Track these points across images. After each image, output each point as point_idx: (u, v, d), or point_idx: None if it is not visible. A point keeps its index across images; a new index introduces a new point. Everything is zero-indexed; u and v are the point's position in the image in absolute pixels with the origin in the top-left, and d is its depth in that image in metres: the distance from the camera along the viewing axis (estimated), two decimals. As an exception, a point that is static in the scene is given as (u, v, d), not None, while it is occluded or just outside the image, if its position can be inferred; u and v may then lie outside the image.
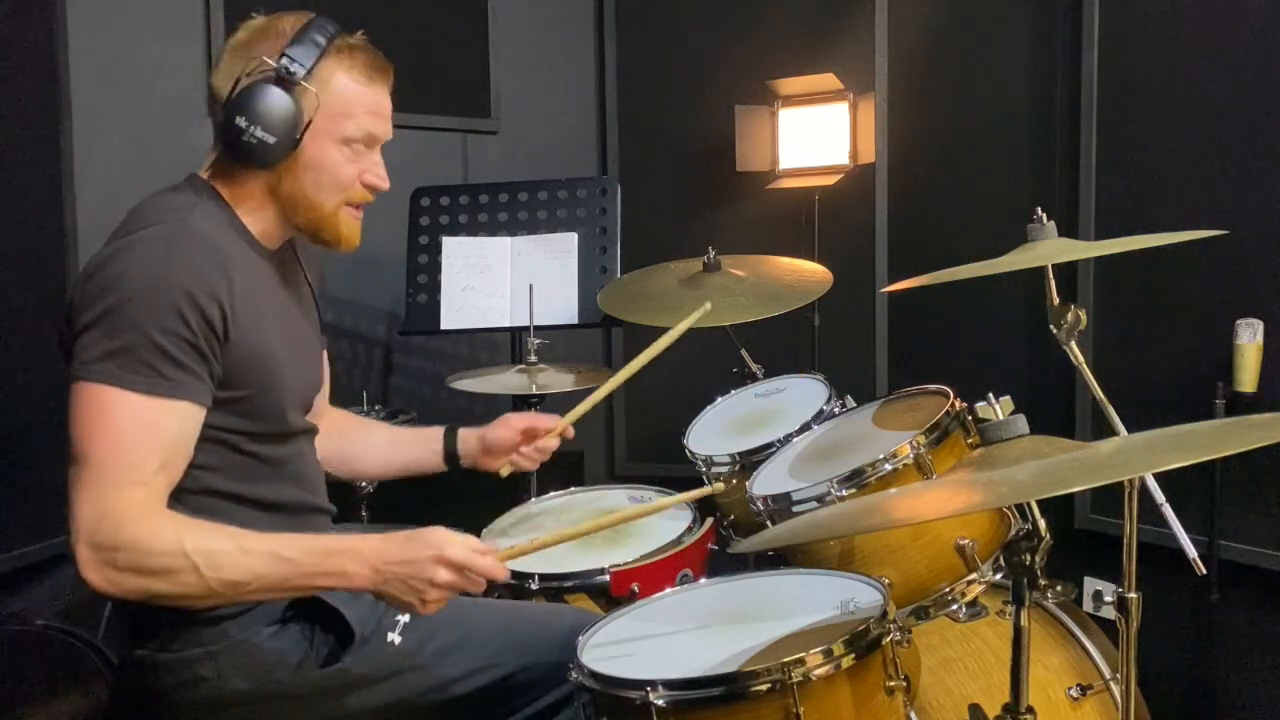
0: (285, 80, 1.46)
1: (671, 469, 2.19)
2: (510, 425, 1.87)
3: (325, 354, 1.82)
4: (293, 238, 1.63)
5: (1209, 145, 2.37)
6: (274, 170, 1.50)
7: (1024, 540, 1.39)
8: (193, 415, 1.40)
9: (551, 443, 1.89)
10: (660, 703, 1.29)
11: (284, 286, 1.60)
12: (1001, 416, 1.24)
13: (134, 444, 1.35)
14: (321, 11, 1.56)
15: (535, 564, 1.85)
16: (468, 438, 1.87)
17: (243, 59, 1.48)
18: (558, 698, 1.57)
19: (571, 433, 1.93)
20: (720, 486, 1.82)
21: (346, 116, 1.50)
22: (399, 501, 2.35)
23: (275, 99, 1.45)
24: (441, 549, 1.39)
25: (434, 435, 1.89)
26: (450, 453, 1.86)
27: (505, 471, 1.89)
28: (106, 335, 1.35)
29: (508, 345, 2.93)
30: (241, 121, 1.44)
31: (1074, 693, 1.72)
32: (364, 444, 1.88)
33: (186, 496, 1.42)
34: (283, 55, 1.46)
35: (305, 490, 1.62)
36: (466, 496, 2.04)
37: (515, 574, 1.84)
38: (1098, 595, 2.47)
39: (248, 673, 1.47)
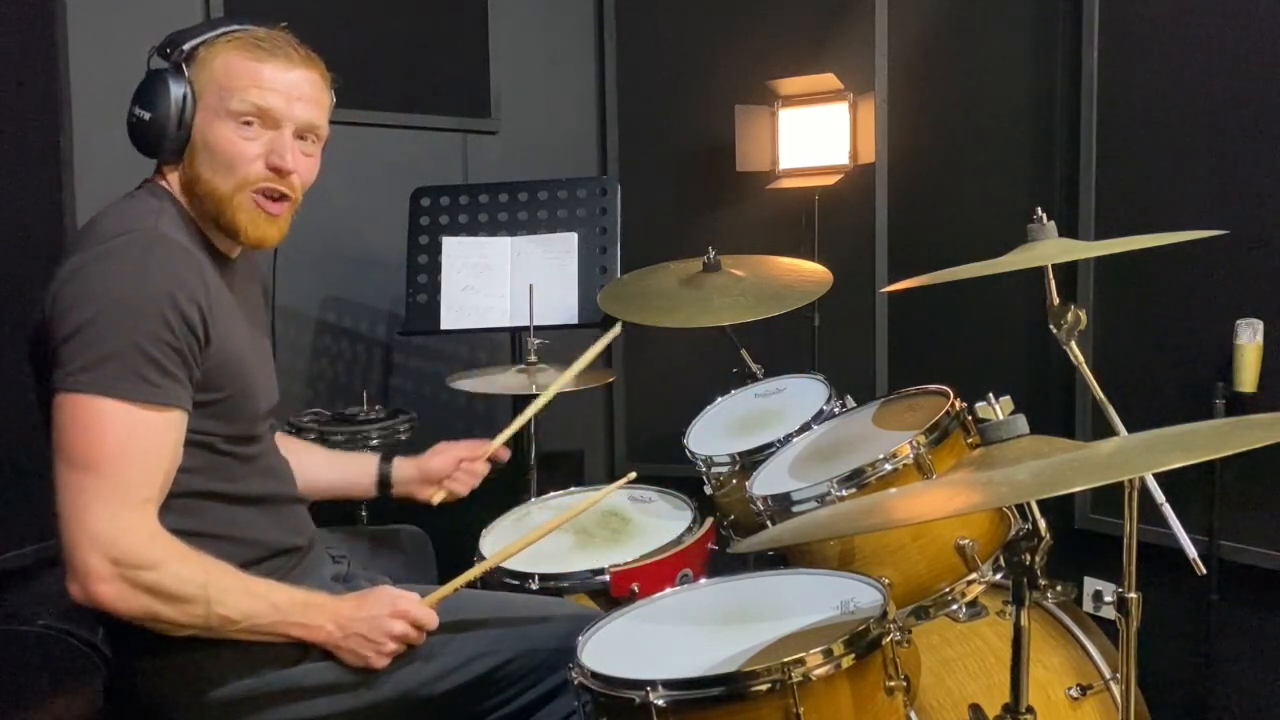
0: (166, 61, 1.50)
1: (671, 469, 2.19)
2: (449, 453, 1.89)
3: None
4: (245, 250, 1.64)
5: (1209, 145, 2.37)
6: (182, 160, 1.51)
7: (1024, 540, 1.39)
8: (182, 423, 1.41)
9: (482, 466, 1.91)
10: (660, 703, 1.29)
11: (241, 297, 1.60)
12: (1001, 416, 1.24)
13: (141, 457, 1.36)
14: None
15: (535, 564, 1.85)
16: (404, 466, 1.89)
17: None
18: (553, 685, 1.58)
19: (506, 454, 1.94)
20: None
21: (229, 91, 1.48)
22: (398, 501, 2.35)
23: (150, 79, 1.49)
24: (396, 603, 1.51)
25: (370, 459, 1.91)
26: (384, 478, 1.88)
27: (437, 499, 1.90)
28: (91, 344, 1.34)
29: (508, 345, 2.93)
30: (132, 108, 1.49)
31: (1074, 693, 1.72)
32: (299, 461, 1.86)
33: (171, 500, 1.42)
34: (168, 43, 1.51)
35: (280, 482, 1.63)
36: (466, 497, 2.04)
37: (515, 574, 1.84)
38: (1098, 595, 2.47)
39: (248, 670, 1.47)
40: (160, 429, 1.38)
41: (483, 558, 1.90)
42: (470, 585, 1.64)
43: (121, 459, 1.34)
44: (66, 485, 1.34)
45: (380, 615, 1.50)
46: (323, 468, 1.87)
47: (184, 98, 1.48)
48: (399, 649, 1.51)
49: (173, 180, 1.53)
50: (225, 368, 1.46)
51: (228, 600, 1.40)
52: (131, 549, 1.33)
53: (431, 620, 1.53)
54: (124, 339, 1.34)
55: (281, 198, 1.53)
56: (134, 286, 1.36)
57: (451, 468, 1.89)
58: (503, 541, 1.98)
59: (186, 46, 1.50)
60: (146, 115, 1.48)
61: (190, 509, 1.44)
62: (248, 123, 1.49)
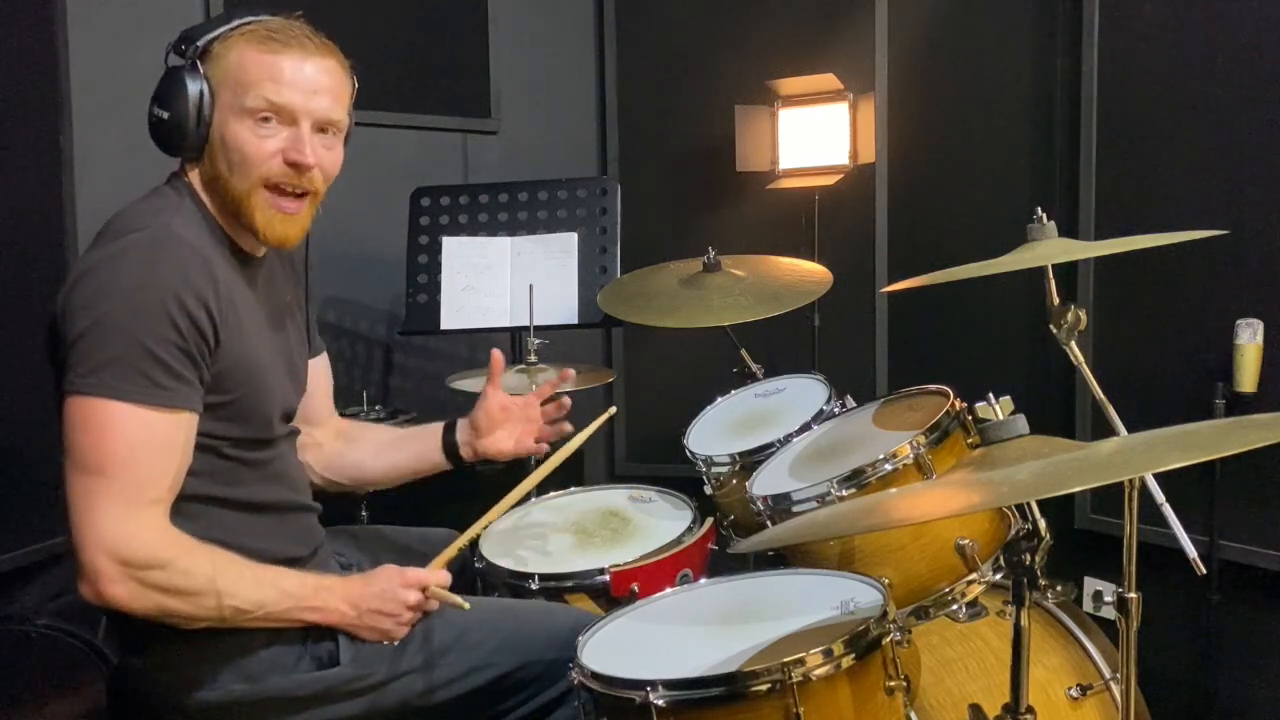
0: (182, 58, 1.47)
1: (671, 469, 2.19)
2: (486, 397, 1.82)
3: (325, 359, 1.83)
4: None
5: (1209, 145, 2.37)
6: (203, 159, 1.49)
7: (1024, 540, 1.39)
8: (192, 424, 1.41)
9: (534, 411, 1.84)
10: (660, 703, 1.29)
11: (265, 296, 1.59)
12: (1001, 416, 1.24)
13: (149, 459, 1.36)
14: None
15: (535, 564, 1.85)
16: (463, 426, 1.84)
17: None
18: (554, 695, 1.58)
19: (571, 374, 1.95)
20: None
21: (244, 87, 1.45)
22: (399, 502, 2.35)
23: (167, 78, 1.47)
24: (404, 573, 1.52)
25: (434, 428, 1.86)
26: (449, 443, 1.82)
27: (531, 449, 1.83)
28: (98, 346, 1.33)
29: (508, 345, 2.93)
30: (151, 107, 1.48)
31: (1074, 693, 1.72)
32: (367, 447, 1.86)
33: (175, 503, 1.41)
34: (182, 39, 1.48)
35: (290, 490, 1.61)
36: (466, 496, 2.04)
37: (515, 574, 1.84)
38: (1098, 595, 2.47)
39: (244, 677, 1.47)
40: (169, 430, 1.37)
41: (482, 557, 1.90)
42: (471, 590, 1.63)
43: (129, 462, 1.34)
44: (75, 488, 1.34)
45: (392, 587, 1.50)
46: (394, 448, 1.86)
47: (201, 95, 1.46)
48: (416, 618, 1.52)
49: (194, 176, 1.51)
50: (236, 370, 1.45)
51: (238, 591, 1.40)
52: (138, 550, 1.33)
53: (445, 579, 1.53)
54: (130, 341, 1.33)
55: (300, 195, 1.50)
56: (139, 288, 1.35)
57: (494, 409, 1.80)
58: (503, 541, 1.98)
59: (201, 42, 1.47)
60: (165, 114, 1.46)
61: (190, 513, 1.43)
62: (265, 119, 1.46)
